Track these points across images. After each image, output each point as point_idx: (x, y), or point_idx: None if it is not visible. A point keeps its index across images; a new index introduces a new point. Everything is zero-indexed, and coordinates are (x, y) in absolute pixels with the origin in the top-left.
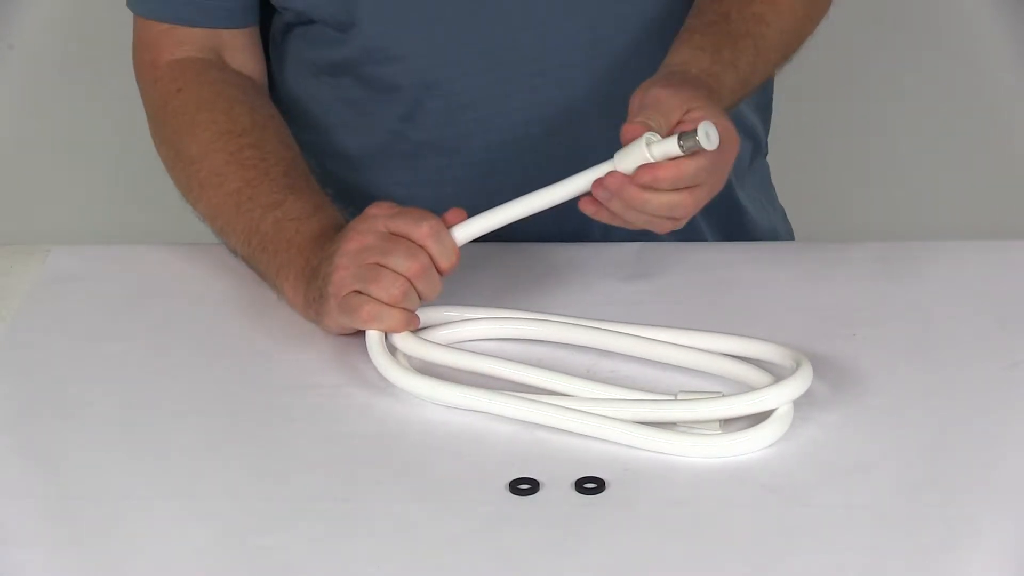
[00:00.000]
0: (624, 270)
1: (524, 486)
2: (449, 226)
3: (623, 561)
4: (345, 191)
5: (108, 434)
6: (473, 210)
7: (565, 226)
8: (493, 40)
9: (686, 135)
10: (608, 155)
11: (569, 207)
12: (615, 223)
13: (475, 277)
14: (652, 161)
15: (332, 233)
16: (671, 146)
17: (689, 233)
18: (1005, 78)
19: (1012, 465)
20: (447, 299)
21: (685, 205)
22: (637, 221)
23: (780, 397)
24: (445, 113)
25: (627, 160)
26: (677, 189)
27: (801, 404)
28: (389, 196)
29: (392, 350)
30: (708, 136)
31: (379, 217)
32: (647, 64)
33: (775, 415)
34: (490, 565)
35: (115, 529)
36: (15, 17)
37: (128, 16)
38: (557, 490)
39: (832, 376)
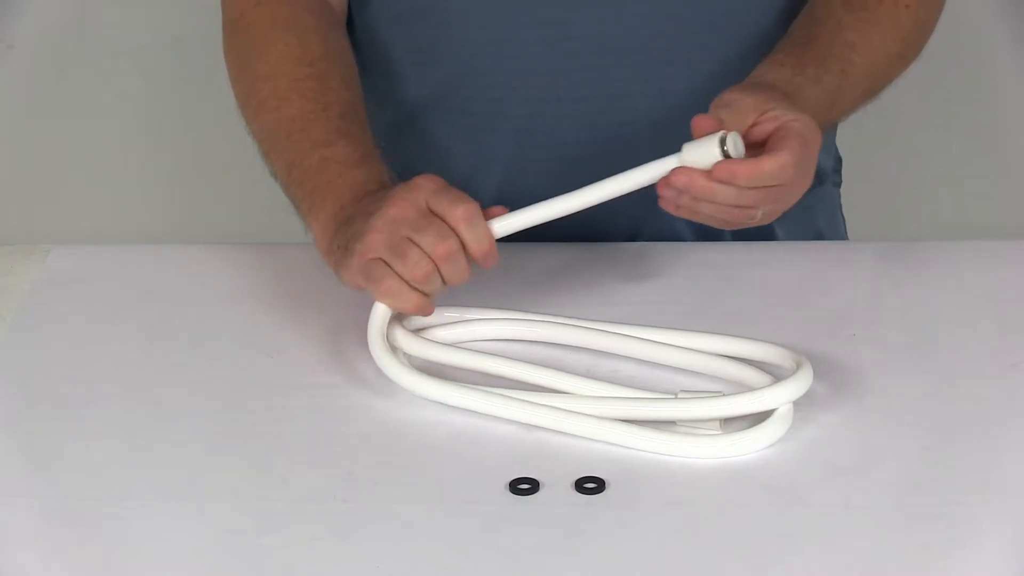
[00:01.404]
0: (624, 270)
1: (524, 486)
2: (489, 219)
3: (623, 561)
4: (397, 141)
5: (108, 434)
6: (510, 175)
7: (591, 226)
8: (560, 12)
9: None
10: (648, 152)
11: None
12: (693, 218)
13: (475, 278)
14: (721, 158)
15: (373, 186)
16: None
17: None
18: (1005, 78)
19: (1012, 465)
20: (448, 300)
21: (757, 199)
22: (707, 211)
23: (780, 397)
24: (502, 72)
25: (695, 155)
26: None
27: (801, 404)
28: (436, 150)
29: (392, 349)
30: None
31: (423, 189)
32: (706, 61)
33: (775, 415)
34: (490, 565)
35: (115, 529)
36: (15, 17)
37: (128, 15)
38: (557, 490)
39: (832, 376)
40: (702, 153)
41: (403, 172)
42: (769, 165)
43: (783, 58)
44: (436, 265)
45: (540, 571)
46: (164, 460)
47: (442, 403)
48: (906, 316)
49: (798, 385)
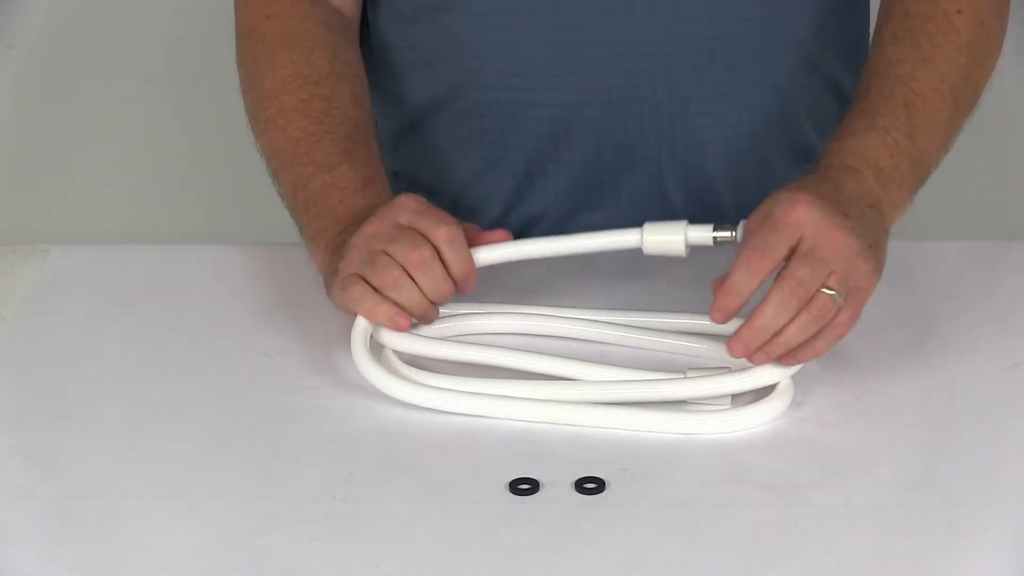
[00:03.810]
0: (624, 269)
1: (524, 486)
2: (485, 243)
3: (623, 561)
4: (403, 145)
5: (108, 434)
6: (518, 182)
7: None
8: (568, 18)
9: (721, 227)
10: (662, 155)
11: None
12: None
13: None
14: (684, 254)
15: (371, 213)
16: (706, 234)
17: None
18: (1005, 78)
19: (1012, 465)
20: None
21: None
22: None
23: (783, 372)
24: (507, 77)
25: (657, 236)
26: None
27: (802, 404)
28: (441, 154)
29: (380, 352)
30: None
31: (405, 208)
32: (721, 70)
33: (777, 390)
34: (490, 565)
35: (115, 529)
36: (15, 17)
37: (129, 15)
38: (557, 490)
39: (832, 376)
40: (664, 235)
41: (407, 176)
42: (736, 272)
43: (836, 132)
44: (408, 273)
45: (540, 571)
46: (164, 460)
47: (436, 410)
48: (906, 316)
49: None
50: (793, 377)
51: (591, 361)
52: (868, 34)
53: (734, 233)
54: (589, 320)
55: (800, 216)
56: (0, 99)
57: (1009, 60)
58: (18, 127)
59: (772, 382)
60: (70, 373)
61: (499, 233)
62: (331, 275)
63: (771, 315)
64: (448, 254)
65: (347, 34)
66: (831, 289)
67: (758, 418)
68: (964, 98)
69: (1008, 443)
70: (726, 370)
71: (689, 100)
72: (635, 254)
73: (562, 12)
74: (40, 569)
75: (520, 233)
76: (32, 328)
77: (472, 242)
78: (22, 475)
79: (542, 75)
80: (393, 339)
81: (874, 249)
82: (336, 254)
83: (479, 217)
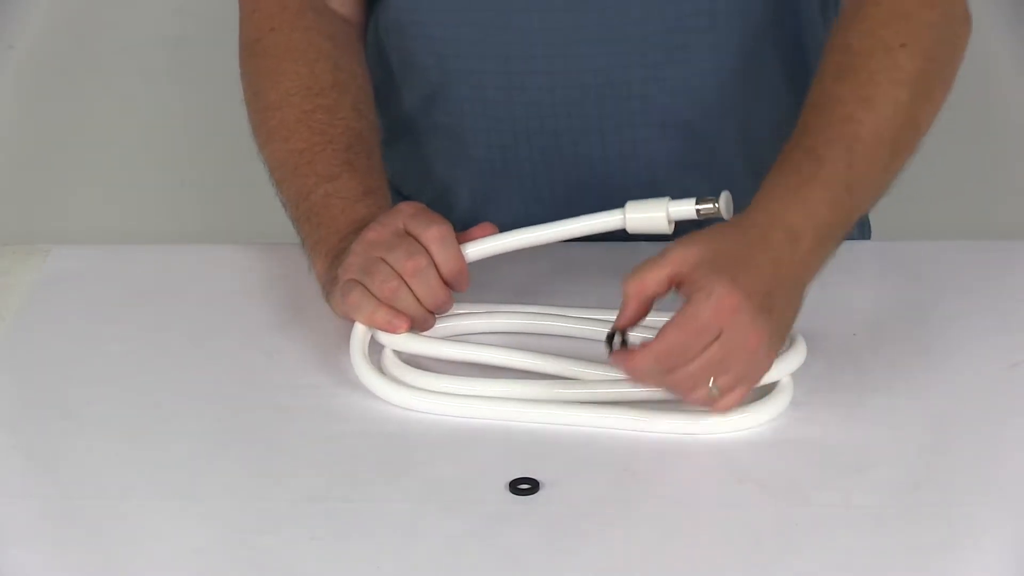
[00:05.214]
0: (624, 268)
1: (524, 486)
2: (472, 238)
3: (623, 561)
4: (393, 147)
5: (108, 434)
6: (474, 201)
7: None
8: (511, 39)
9: (704, 200)
10: (623, 166)
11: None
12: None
13: (470, 276)
14: (669, 230)
15: (372, 222)
16: (688, 208)
17: None
18: (1005, 78)
19: (1012, 465)
20: None
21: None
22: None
23: (782, 370)
24: (467, 102)
25: (639, 213)
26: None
27: (801, 404)
28: (418, 161)
29: (380, 348)
30: (727, 207)
31: (402, 213)
32: (666, 68)
33: (778, 388)
34: (490, 565)
35: (115, 529)
36: (15, 17)
37: (128, 15)
38: (557, 490)
39: (833, 376)
40: (645, 213)
41: (394, 178)
42: (644, 359)
43: (777, 167)
44: (405, 281)
45: (540, 571)
46: (164, 460)
47: (432, 414)
48: (906, 316)
49: (796, 357)
50: (793, 377)
51: (591, 361)
52: (811, 30)
53: (716, 205)
54: (588, 319)
55: (725, 321)
56: (0, 99)
57: (1009, 60)
58: (18, 127)
59: (772, 380)
60: (70, 373)
61: (484, 227)
62: (330, 283)
63: (644, 390)
64: (439, 255)
65: (352, 44)
66: (715, 386)
67: (758, 418)
68: (904, 140)
69: (1008, 443)
70: None
71: (637, 132)
72: (635, 253)
73: (503, 32)
74: (40, 569)
75: None
76: (32, 328)
77: (459, 240)
78: (22, 475)
79: (497, 98)
80: (393, 339)
81: (781, 339)
82: (336, 262)
83: None
